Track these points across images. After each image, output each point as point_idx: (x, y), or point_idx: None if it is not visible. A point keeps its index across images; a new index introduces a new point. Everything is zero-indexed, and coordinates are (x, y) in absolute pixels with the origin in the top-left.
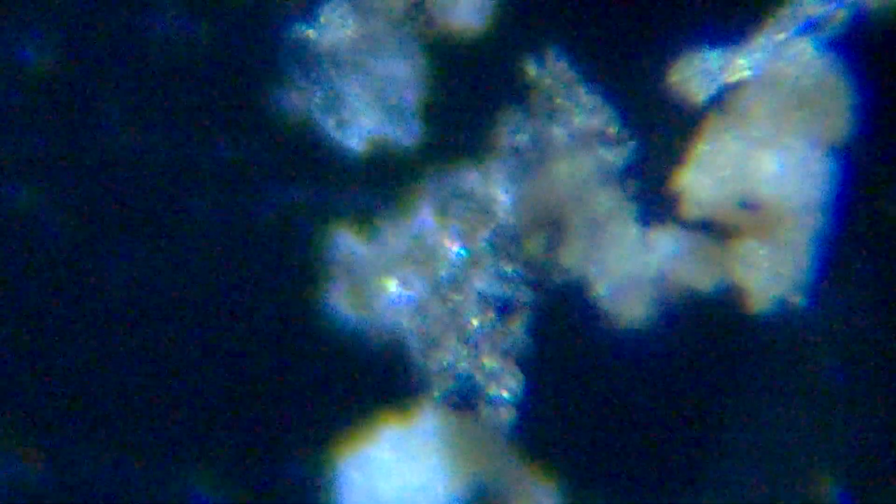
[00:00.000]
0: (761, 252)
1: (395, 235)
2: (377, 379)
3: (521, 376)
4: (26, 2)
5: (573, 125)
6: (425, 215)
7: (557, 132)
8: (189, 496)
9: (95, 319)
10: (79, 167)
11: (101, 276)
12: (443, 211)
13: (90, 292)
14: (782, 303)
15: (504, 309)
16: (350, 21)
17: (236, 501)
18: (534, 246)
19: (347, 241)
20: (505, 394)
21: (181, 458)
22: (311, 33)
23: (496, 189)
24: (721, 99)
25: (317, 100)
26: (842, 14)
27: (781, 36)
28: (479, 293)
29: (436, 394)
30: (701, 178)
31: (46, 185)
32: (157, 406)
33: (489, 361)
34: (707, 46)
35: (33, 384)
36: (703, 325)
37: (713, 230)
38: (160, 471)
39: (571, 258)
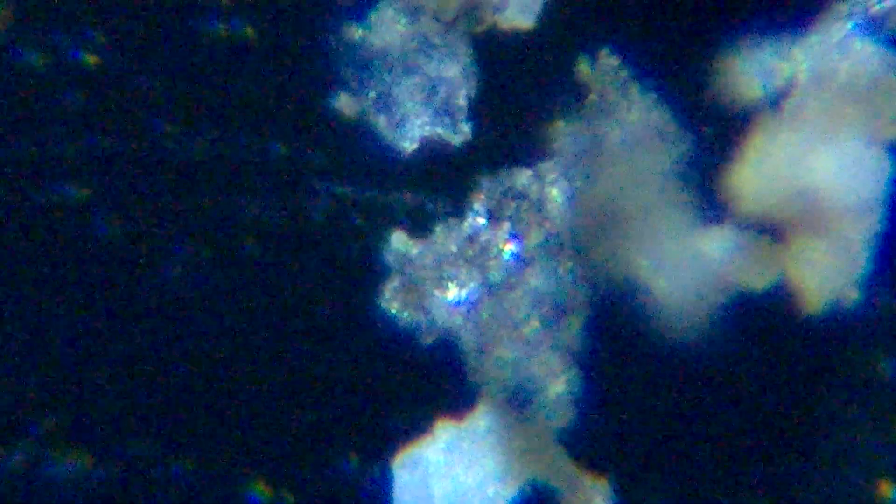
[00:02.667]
0: (817, 249)
1: (449, 235)
2: (431, 379)
3: (576, 376)
4: (80, 2)
5: (627, 123)
6: (479, 215)
7: (611, 130)
8: (242, 496)
9: (147, 318)
10: (131, 166)
11: (153, 275)
12: (496, 210)
13: (143, 291)
14: (839, 300)
15: (559, 308)
16: (402, 21)
17: (289, 502)
18: (588, 245)
19: (401, 241)
20: (560, 394)
21: (233, 459)
22: (362, 33)
23: (550, 188)
24: (776, 95)
25: (369, 100)
26: None
27: (838, 32)
28: (534, 293)
29: (490, 394)
30: (756, 176)
31: (99, 184)
32: (210, 406)
33: (544, 361)
34: (762, 42)
35: (86, 384)
36: (759, 323)
37: (769, 228)
38: (213, 471)
39: (627, 257)
